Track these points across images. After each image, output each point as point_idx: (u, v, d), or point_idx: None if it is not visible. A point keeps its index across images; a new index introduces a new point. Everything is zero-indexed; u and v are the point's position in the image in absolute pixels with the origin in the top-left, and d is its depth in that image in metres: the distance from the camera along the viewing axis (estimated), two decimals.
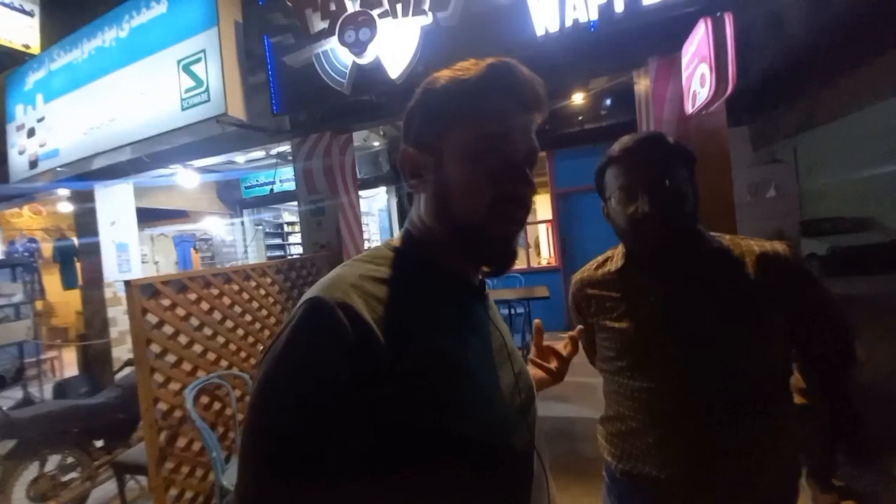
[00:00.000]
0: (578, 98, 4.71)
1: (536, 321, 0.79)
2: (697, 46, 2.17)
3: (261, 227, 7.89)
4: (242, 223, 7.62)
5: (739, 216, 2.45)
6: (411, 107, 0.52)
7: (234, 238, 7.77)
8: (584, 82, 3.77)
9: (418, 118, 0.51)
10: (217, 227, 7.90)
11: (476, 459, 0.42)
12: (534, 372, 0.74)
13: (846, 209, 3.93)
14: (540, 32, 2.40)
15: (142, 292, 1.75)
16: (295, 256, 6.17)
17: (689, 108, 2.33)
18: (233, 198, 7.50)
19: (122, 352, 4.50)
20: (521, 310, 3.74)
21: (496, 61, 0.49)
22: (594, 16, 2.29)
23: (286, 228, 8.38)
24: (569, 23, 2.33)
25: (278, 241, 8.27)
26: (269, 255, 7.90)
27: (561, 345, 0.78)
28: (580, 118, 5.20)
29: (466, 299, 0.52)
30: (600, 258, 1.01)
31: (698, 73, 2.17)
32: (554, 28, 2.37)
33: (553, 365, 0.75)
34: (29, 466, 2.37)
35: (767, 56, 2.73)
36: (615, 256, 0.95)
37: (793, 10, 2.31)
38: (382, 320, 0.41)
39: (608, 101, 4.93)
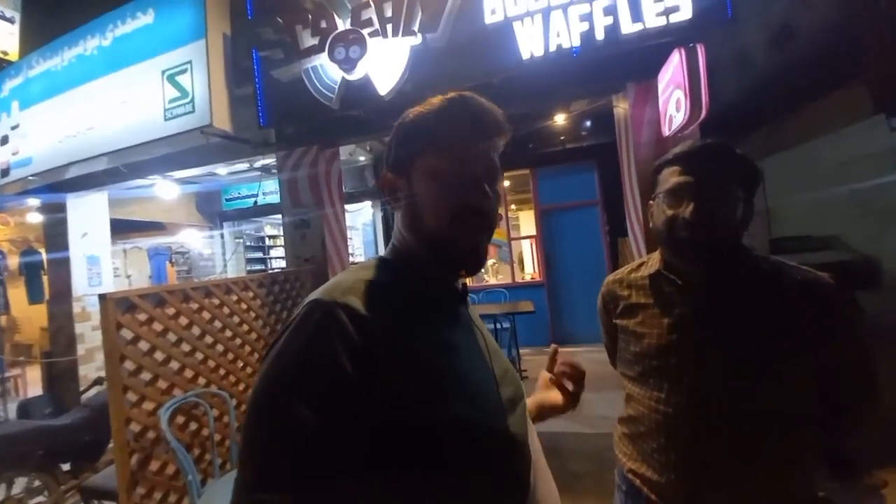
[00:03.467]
0: (560, 119, 4.87)
1: (553, 346, 0.75)
2: (672, 74, 2.29)
3: (241, 241, 7.71)
4: (222, 236, 7.43)
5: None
6: (389, 138, 0.60)
7: (212, 251, 7.56)
8: (565, 104, 3.91)
9: (393, 147, 0.59)
10: (194, 239, 7.68)
11: (466, 449, 0.45)
12: (546, 397, 0.73)
13: (812, 228, 4.14)
14: (525, 56, 2.49)
15: (117, 306, 1.68)
16: (277, 270, 6.05)
17: (666, 131, 2.44)
18: (212, 210, 7.33)
19: (89, 370, 4.27)
20: (506, 324, 3.75)
21: (455, 95, 0.56)
22: (576, 42, 2.40)
23: (268, 242, 8.21)
24: (552, 48, 2.44)
25: (259, 254, 8.09)
26: (249, 269, 7.71)
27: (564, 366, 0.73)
28: (562, 138, 5.37)
29: (450, 303, 0.58)
30: (635, 263, 1.00)
31: (674, 99, 2.29)
32: (538, 52, 2.46)
33: (570, 387, 0.72)
34: None
35: (737, 84, 2.90)
36: (651, 262, 0.94)
37: (760, 44, 2.48)
38: (378, 319, 0.46)
39: (588, 123, 5.12)
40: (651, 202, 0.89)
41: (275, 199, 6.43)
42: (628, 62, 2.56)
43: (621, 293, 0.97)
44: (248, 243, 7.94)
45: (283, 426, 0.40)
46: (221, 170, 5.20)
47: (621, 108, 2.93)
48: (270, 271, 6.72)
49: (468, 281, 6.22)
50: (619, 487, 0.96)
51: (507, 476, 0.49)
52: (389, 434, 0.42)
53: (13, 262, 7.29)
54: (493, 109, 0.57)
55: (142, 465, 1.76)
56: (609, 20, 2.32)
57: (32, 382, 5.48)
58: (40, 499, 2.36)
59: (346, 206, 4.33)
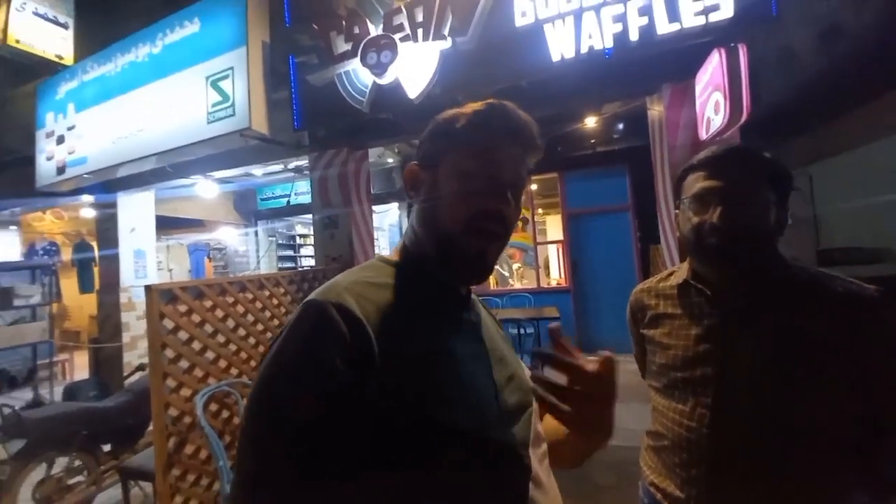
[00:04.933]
0: (591, 121, 4.78)
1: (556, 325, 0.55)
2: (711, 75, 2.21)
3: (274, 239, 8.00)
4: (256, 234, 7.74)
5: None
6: (423, 134, 0.61)
7: (247, 248, 7.89)
8: (596, 106, 3.84)
9: (426, 143, 0.60)
10: (231, 236, 8.03)
11: (456, 453, 0.44)
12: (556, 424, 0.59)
13: (862, 239, 3.87)
14: (555, 58, 2.47)
15: (160, 297, 1.79)
16: (307, 268, 6.24)
17: (704, 135, 2.36)
18: (248, 208, 7.66)
19: (132, 357, 4.55)
20: (530, 330, 3.71)
21: (496, 102, 0.56)
22: (609, 43, 2.36)
23: (298, 241, 8.49)
24: (584, 49, 2.40)
25: (290, 252, 8.37)
26: (280, 266, 7.99)
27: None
28: (592, 141, 5.26)
29: (451, 307, 0.57)
30: (665, 272, 0.98)
31: (712, 101, 2.21)
32: (569, 54, 2.44)
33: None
34: (36, 468, 2.36)
35: (782, 85, 2.76)
36: (679, 271, 0.92)
37: (807, 42, 2.35)
38: (372, 319, 0.46)
39: (621, 125, 4.99)
40: (677, 210, 0.87)
41: (306, 199, 6.65)
42: (664, 63, 2.50)
43: (649, 303, 0.95)
44: (280, 241, 8.23)
45: (276, 426, 0.41)
46: (257, 170, 5.42)
47: (656, 110, 2.85)
48: (300, 269, 6.94)
49: (494, 283, 6.16)
50: (642, 501, 0.95)
51: (498, 487, 0.47)
52: (379, 435, 0.42)
53: (66, 253, 7.86)
54: (530, 123, 0.57)
55: (177, 448, 1.86)
56: (644, 20, 2.27)
57: (79, 367, 5.88)
58: (80, 478, 2.48)
59: (374, 208, 4.42)
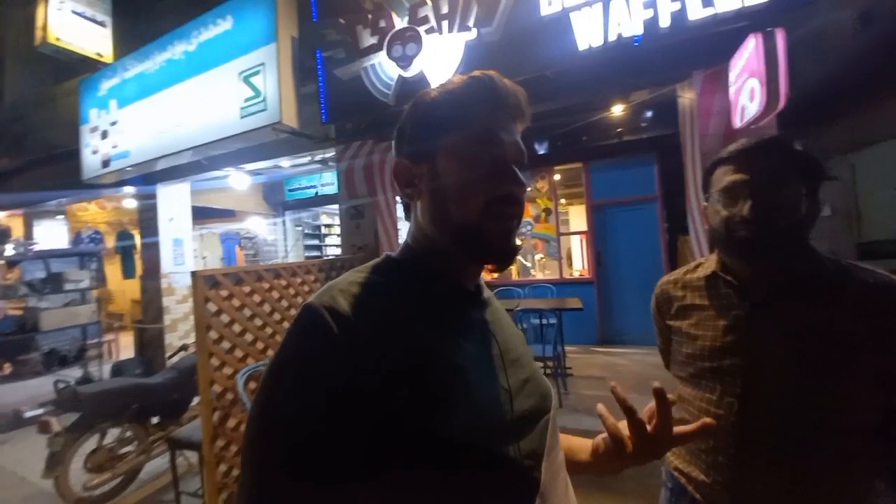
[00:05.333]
0: (618, 109, 4.67)
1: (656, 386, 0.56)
2: (747, 61, 2.14)
3: (300, 228, 8.25)
4: (284, 223, 8.00)
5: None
6: (402, 122, 0.55)
7: (275, 237, 8.17)
8: (624, 95, 3.76)
9: (410, 131, 0.54)
10: (260, 226, 8.34)
11: (459, 462, 0.42)
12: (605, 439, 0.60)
13: None
14: (582, 47, 2.44)
15: (205, 282, 1.92)
16: (332, 257, 6.42)
17: (738, 123, 2.29)
18: (276, 199, 7.91)
19: (173, 338, 4.85)
20: (552, 320, 3.73)
21: (480, 73, 0.53)
22: (638, 30, 2.31)
23: (323, 230, 8.73)
24: (612, 37, 2.37)
25: (316, 242, 8.62)
26: (306, 255, 8.25)
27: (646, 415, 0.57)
28: (619, 130, 5.14)
29: (459, 305, 0.54)
30: (692, 264, 0.99)
31: (747, 88, 2.14)
32: (597, 42, 2.40)
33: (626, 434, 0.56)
34: (89, 439, 2.56)
35: (822, 69, 2.63)
36: (707, 263, 0.93)
37: (848, 24, 2.24)
38: (367, 322, 0.44)
39: (649, 113, 4.86)
40: (705, 203, 0.87)
41: (331, 189, 6.81)
42: (695, 49, 2.42)
43: (675, 294, 0.96)
44: (306, 231, 8.48)
45: (271, 433, 0.41)
46: (285, 162, 5.59)
47: (686, 97, 2.77)
48: (327, 258, 7.14)
49: (516, 273, 6.16)
50: (665, 484, 0.97)
51: (497, 498, 0.44)
52: (371, 443, 0.40)
53: (109, 241, 8.36)
54: (518, 90, 0.53)
55: (221, 421, 2.01)
56: (676, 6, 2.21)
57: (124, 347, 6.29)
58: (130, 448, 2.69)
59: (398, 198, 4.49)
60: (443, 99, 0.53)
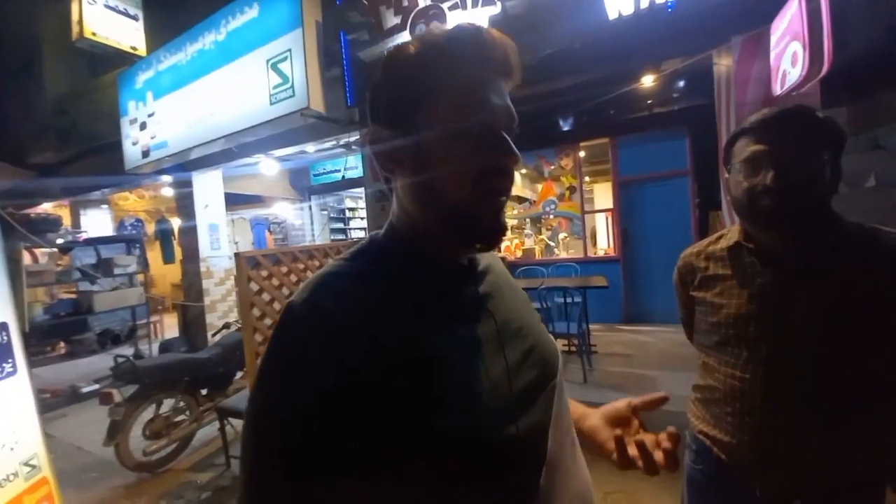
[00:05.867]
0: (648, 81, 4.47)
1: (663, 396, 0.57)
2: (789, 23, 2.03)
3: (326, 212, 8.45)
4: (310, 208, 8.21)
5: (833, 208, 2.26)
6: (378, 80, 0.48)
7: (302, 222, 8.41)
8: (655, 65, 3.60)
9: (386, 93, 0.47)
10: (287, 211, 8.59)
11: (456, 450, 0.40)
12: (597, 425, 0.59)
13: None
14: (612, 16, 2.36)
15: (247, 263, 2.04)
16: (357, 238, 6.58)
17: (778, 89, 2.19)
18: (302, 184, 8.11)
19: (213, 318, 5.14)
20: (578, 299, 3.73)
21: (466, 24, 0.46)
22: None
23: (347, 214, 8.91)
24: (644, 4, 2.28)
25: (341, 225, 8.83)
26: (332, 237, 8.47)
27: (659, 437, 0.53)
28: (648, 102, 4.94)
29: (451, 286, 0.50)
30: (714, 236, 1.00)
31: (789, 52, 2.04)
32: (628, 10, 2.32)
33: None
34: (147, 408, 2.79)
35: (870, 30, 2.45)
36: (730, 234, 0.94)
37: None
38: (352, 315, 0.41)
39: (681, 83, 4.64)
40: (727, 175, 0.88)
41: (356, 173, 6.90)
42: (734, 12, 2.31)
43: (699, 265, 0.97)
44: (332, 215, 8.67)
45: (263, 434, 0.41)
46: (310, 147, 5.70)
47: (723, 64, 2.64)
48: (356, 239, 7.31)
49: (539, 253, 6.12)
50: (690, 447, 1.00)
51: (502, 485, 0.43)
52: (368, 437, 0.39)
53: (149, 228, 8.81)
54: (508, 43, 0.47)
55: None
56: None
57: (168, 327, 6.72)
58: (183, 417, 2.93)
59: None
60: (424, 55, 0.45)
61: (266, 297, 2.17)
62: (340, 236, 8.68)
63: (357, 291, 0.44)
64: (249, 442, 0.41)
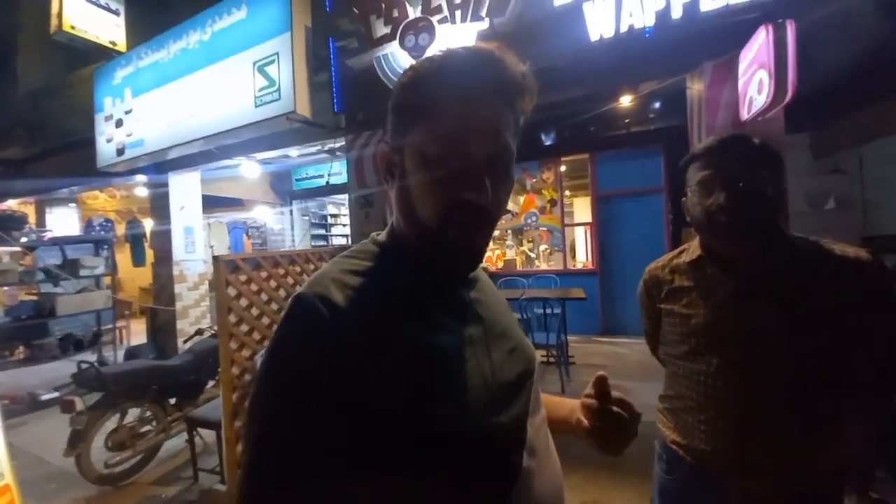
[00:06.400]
0: (625, 100, 4.66)
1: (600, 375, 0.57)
2: (756, 52, 2.16)
3: (307, 218, 8.33)
4: (291, 213, 8.08)
5: (796, 228, 2.39)
6: (391, 97, 0.51)
7: (282, 227, 8.26)
8: (633, 86, 3.76)
9: (390, 113, 0.51)
10: (267, 215, 8.42)
11: (456, 436, 0.43)
12: (570, 414, 0.62)
13: None
14: (594, 38, 2.46)
15: (226, 266, 1.99)
16: (344, 245, 6.50)
17: (745, 114, 2.32)
18: (284, 189, 7.98)
19: (184, 324, 4.95)
20: (557, 310, 3.79)
21: (461, 48, 0.47)
22: (650, 21, 2.33)
23: (329, 220, 8.81)
24: (624, 28, 2.39)
25: (322, 231, 8.71)
26: (313, 244, 8.34)
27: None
28: (626, 121, 5.14)
29: (445, 287, 0.53)
30: (676, 251, 1.07)
31: (756, 79, 2.17)
32: (608, 34, 2.42)
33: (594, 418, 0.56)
34: (110, 418, 2.63)
35: (832, 61, 2.64)
36: (691, 248, 1.01)
37: (860, 16, 2.24)
38: (359, 311, 0.44)
39: (657, 104, 4.85)
40: (684, 198, 0.97)
41: (340, 179, 6.85)
42: (706, 40, 2.44)
43: (665, 277, 1.03)
44: (313, 221, 8.56)
45: (268, 424, 0.42)
46: (293, 151, 5.64)
47: (696, 88, 2.79)
48: (338, 246, 7.22)
49: (520, 264, 6.16)
50: (661, 457, 1.03)
51: (487, 470, 0.46)
52: (369, 428, 0.41)
53: (119, 229, 8.47)
54: (509, 65, 0.46)
55: (240, 400, 2.09)
56: None
57: (135, 333, 6.41)
58: (149, 427, 2.78)
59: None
60: (417, 79, 0.47)
61: (244, 302, 2.11)
62: (322, 242, 8.56)
63: (363, 288, 0.46)
64: (251, 435, 0.43)
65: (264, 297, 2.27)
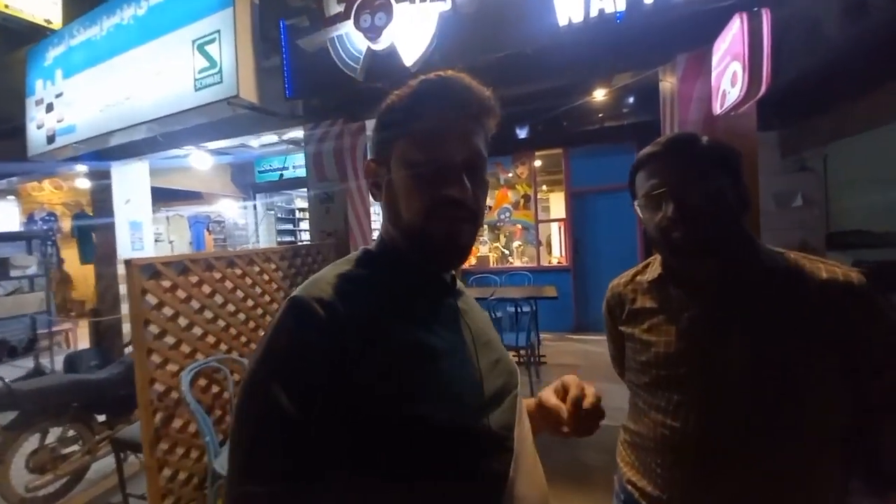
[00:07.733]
0: (599, 94, 4.56)
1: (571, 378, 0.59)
2: (730, 43, 2.04)
3: (272, 212, 7.92)
4: (255, 207, 7.65)
5: (764, 225, 2.33)
6: (374, 125, 0.59)
7: (246, 221, 7.83)
8: (606, 77, 3.64)
9: (374, 135, 0.58)
10: (230, 209, 7.96)
11: (431, 445, 0.45)
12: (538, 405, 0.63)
13: (874, 223, 3.75)
14: (563, 22, 2.30)
15: (142, 272, 1.73)
16: (299, 244, 6.18)
17: (718, 109, 2.21)
18: (246, 181, 7.54)
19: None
20: (527, 309, 3.67)
21: (434, 76, 0.53)
22: (621, 7, 2.19)
23: (298, 214, 8.42)
24: (594, 13, 2.23)
25: (290, 226, 8.32)
26: (280, 240, 7.96)
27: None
28: (600, 115, 5.05)
29: (435, 295, 0.57)
30: (641, 264, 0.94)
31: (729, 72, 2.05)
32: (578, 18, 2.27)
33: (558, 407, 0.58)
34: (29, 438, 2.38)
35: (803, 58, 2.58)
36: (655, 263, 0.88)
37: (832, 15, 2.17)
38: (356, 314, 0.46)
39: (631, 99, 4.77)
40: (636, 207, 0.83)
41: (301, 172, 6.51)
42: (680, 29, 2.32)
43: (627, 296, 0.90)
44: (280, 215, 8.16)
45: (261, 422, 0.43)
46: (254, 142, 5.28)
47: (668, 81, 2.67)
48: (295, 244, 6.89)
49: (494, 261, 6.09)
50: (618, 496, 0.91)
51: (478, 472, 0.48)
52: (365, 428, 0.43)
53: (66, 224, 7.85)
54: (475, 89, 0.54)
55: (166, 422, 1.85)
56: None
57: (83, 336, 5.95)
58: (74, 448, 2.51)
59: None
60: (397, 102, 0.55)
61: (168, 311, 1.86)
62: (289, 238, 8.18)
63: (358, 292, 0.49)
64: (246, 420, 0.44)
65: (195, 304, 2.01)
